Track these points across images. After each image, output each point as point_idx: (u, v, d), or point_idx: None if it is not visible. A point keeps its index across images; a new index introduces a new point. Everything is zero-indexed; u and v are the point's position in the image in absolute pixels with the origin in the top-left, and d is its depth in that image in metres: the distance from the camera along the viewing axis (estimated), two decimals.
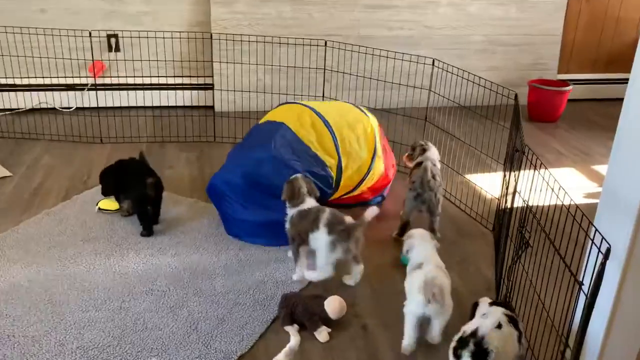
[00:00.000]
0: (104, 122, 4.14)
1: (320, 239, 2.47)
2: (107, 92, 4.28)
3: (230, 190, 2.85)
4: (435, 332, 2.23)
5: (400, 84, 3.94)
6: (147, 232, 2.90)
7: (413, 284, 2.24)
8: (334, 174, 2.94)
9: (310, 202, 2.55)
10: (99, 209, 3.10)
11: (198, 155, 3.94)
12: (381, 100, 4.15)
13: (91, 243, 2.83)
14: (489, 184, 3.48)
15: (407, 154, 3.13)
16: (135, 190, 2.90)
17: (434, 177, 2.91)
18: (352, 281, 2.55)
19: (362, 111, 3.21)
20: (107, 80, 4.37)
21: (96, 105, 4.24)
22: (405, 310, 2.24)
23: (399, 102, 4.33)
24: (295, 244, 2.55)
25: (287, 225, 2.56)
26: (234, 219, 2.86)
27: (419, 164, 3.00)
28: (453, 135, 3.56)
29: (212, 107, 4.55)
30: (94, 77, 4.22)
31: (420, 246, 2.43)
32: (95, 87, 4.24)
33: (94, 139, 4.06)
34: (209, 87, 4.54)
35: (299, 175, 2.65)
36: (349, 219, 2.47)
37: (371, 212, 2.42)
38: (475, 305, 2.16)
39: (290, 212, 2.57)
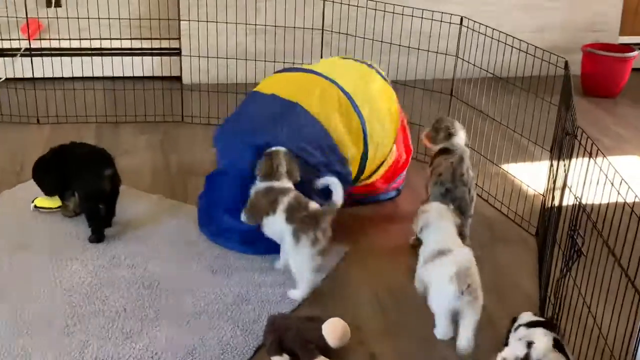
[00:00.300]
0: (42, 96, 4.12)
1: (275, 225, 2.59)
2: (45, 58, 4.26)
3: (220, 187, 2.85)
4: (468, 333, 2.33)
5: (419, 49, 3.92)
6: (98, 237, 2.90)
7: (441, 273, 2.34)
8: (355, 167, 2.95)
9: (284, 183, 2.63)
10: (35, 207, 3.09)
11: (162, 138, 3.93)
12: (394, 69, 4.13)
13: (26, 251, 2.82)
14: (531, 176, 3.48)
15: (427, 131, 3.14)
16: (86, 183, 2.89)
17: (467, 169, 2.93)
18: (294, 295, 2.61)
19: (382, 75, 3.21)
20: (46, 44, 4.35)
21: (31, 76, 4.21)
22: (434, 308, 2.37)
23: (418, 72, 4.31)
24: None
25: (247, 205, 2.66)
26: (221, 228, 2.88)
27: (444, 150, 3.02)
28: (486, 114, 3.56)
29: (179, 78, 4.54)
30: (28, 39, 4.20)
31: (439, 225, 2.52)
32: (29, 53, 4.22)
33: (28, 119, 4.04)
34: (175, 52, 4.52)
35: (281, 149, 2.68)
36: (314, 206, 2.56)
37: (336, 192, 2.51)
38: (514, 321, 2.19)
39: (256, 186, 2.66)
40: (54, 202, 3.08)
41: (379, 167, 3.16)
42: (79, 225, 3.00)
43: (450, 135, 3.05)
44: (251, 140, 2.77)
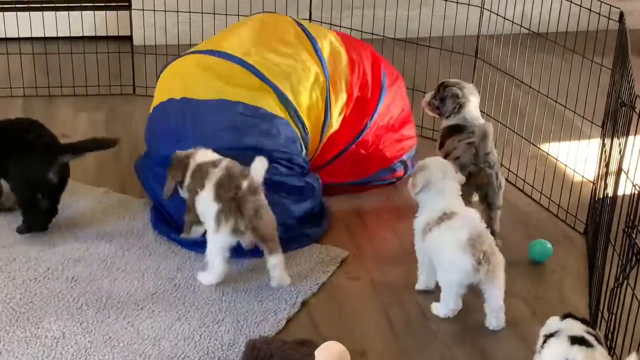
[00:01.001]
0: None
1: (204, 204, 2.75)
2: None
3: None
4: (496, 310, 2.55)
5: None
6: (28, 226, 2.94)
7: (450, 241, 2.50)
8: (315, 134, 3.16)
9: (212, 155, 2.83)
10: None
11: (107, 115, 3.92)
12: (403, 25, 4.12)
13: None
14: (578, 159, 3.49)
15: (428, 100, 3.21)
16: (28, 170, 2.91)
17: (492, 148, 2.96)
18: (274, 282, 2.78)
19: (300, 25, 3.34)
20: None
21: None
22: (444, 282, 2.53)
23: (433, 27, 4.29)
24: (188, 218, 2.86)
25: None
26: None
27: (456, 128, 3.05)
28: (519, 79, 3.56)
29: (130, 38, 4.51)
30: None
31: (441, 184, 2.65)
32: None
33: None
34: (124, 6, 4.49)
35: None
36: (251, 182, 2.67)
37: (259, 164, 2.65)
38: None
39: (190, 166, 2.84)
40: None
41: (326, 122, 3.23)
42: (3, 227, 3.00)
43: (460, 106, 3.08)
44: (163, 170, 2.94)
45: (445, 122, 3.17)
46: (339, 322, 2.64)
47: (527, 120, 3.57)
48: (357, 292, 2.79)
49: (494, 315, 2.59)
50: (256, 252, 2.80)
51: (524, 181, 3.42)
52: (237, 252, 2.81)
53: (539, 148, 3.53)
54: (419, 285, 2.78)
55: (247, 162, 2.75)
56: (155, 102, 3.20)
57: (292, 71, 3.13)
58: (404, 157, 3.43)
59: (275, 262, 2.74)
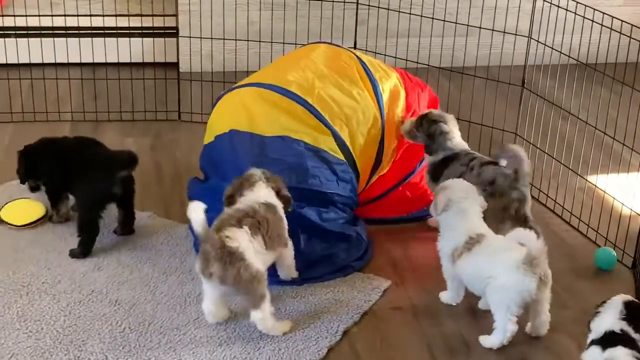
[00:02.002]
0: (3, 88, 4.19)
1: None
2: (7, 40, 4.33)
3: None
4: (545, 316, 2.67)
5: (480, 28, 3.92)
6: (84, 250, 3.01)
7: (498, 265, 2.57)
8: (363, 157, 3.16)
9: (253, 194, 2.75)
10: (0, 220, 3.19)
11: (153, 141, 3.97)
12: (449, 54, 4.12)
13: None
14: (626, 191, 3.45)
15: (408, 129, 3.24)
16: (93, 185, 3.03)
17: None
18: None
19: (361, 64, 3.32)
20: (9, 22, 4.42)
21: None
22: (498, 303, 2.58)
23: (479, 57, 4.30)
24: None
25: None
26: None
27: (449, 158, 3.12)
28: (567, 110, 3.54)
29: (176, 65, 4.58)
30: None
31: (463, 204, 2.73)
32: None
33: None
34: (172, 33, 4.57)
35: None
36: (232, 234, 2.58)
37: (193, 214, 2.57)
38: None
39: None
40: (27, 214, 3.18)
41: (380, 149, 3.25)
42: (48, 248, 3.04)
43: (442, 133, 3.16)
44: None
45: (434, 158, 3.19)
46: (381, 352, 2.63)
47: (574, 152, 3.54)
48: (399, 322, 2.78)
49: (543, 324, 2.68)
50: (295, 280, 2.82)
51: (571, 213, 3.39)
52: (275, 278, 2.83)
53: (587, 180, 3.50)
54: (446, 298, 2.84)
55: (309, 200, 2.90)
56: (216, 130, 3.16)
57: (353, 114, 3.13)
58: None
59: (254, 317, 2.62)
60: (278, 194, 2.78)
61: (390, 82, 3.29)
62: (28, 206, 3.25)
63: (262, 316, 2.61)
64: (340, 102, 3.13)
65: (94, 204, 3.04)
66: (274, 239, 2.68)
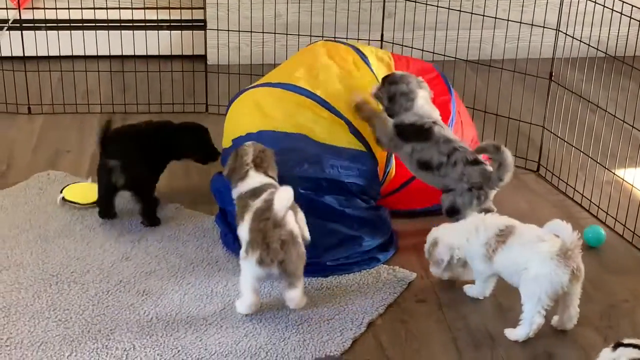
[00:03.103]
0: (34, 80, 4.23)
1: (243, 232, 2.72)
2: (38, 32, 4.38)
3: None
4: (574, 311, 2.66)
5: (508, 20, 3.91)
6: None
7: (533, 255, 2.56)
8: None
9: (256, 179, 2.78)
10: (63, 199, 3.28)
11: None
12: (476, 46, 4.11)
13: (12, 271, 2.91)
14: None
15: (374, 92, 3.16)
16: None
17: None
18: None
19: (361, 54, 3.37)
20: (39, 15, 4.46)
21: (21, 54, 4.33)
22: (530, 295, 2.57)
23: (507, 49, 4.28)
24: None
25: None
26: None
27: (419, 130, 3.04)
28: (595, 104, 3.52)
29: (204, 58, 4.61)
30: (18, 8, 4.32)
31: (461, 229, 2.79)
32: (20, 25, 4.34)
33: (17, 107, 4.16)
34: (199, 26, 4.59)
35: (254, 143, 2.89)
36: (288, 220, 2.63)
37: (283, 195, 2.61)
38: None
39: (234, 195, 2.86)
40: (87, 195, 3.25)
41: None
42: (77, 238, 3.09)
43: (410, 102, 3.08)
44: None
45: (398, 121, 3.10)
46: (405, 344, 2.64)
47: (602, 145, 3.52)
48: (424, 315, 2.79)
49: (571, 318, 2.68)
50: (328, 268, 2.87)
51: (598, 207, 3.37)
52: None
53: (614, 174, 3.48)
54: (471, 292, 2.84)
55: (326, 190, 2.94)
56: (232, 135, 3.22)
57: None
58: None
59: (292, 296, 2.71)
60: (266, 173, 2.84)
61: (384, 64, 3.35)
62: (89, 187, 3.31)
63: (300, 294, 2.70)
64: (347, 93, 3.16)
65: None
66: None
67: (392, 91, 3.09)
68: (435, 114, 3.13)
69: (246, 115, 3.24)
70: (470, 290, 2.84)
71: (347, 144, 3.11)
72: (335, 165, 3.04)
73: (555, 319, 2.69)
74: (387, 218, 3.15)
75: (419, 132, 3.06)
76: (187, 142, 3.29)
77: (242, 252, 2.70)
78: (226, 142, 3.28)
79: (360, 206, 3.08)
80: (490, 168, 3.01)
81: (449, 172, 3.02)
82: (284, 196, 2.59)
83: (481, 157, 3.05)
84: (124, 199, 3.25)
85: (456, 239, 2.77)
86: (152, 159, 3.20)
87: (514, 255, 2.63)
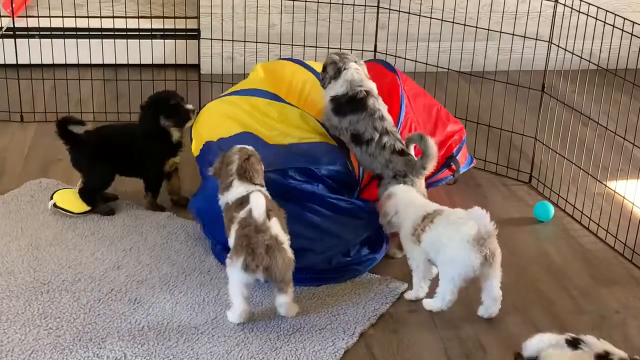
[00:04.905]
0: (27, 88, 4.24)
1: (231, 239, 2.74)
2: (31, 40, 4.38)
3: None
4: (496, 296, 2.76)
5: (501, 32, 3.93)
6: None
7: (456, 237, 2.67)
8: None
9: (240, 188, 2.78)
10: (54, 205, 3.27)
11: None
12: (469, 58, 4.14)
13: (3, 278, 2.90)
14: None
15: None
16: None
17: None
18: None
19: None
20: (33, 22, 4.47)
21: (14, 62, 4.33)
22: (445, 273, 2.73)
23: (500, 61, 4.31)
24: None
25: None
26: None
27: (355, 104, 3.14)
28: (587, 115, 3.53)
29: (197, 67, 4.61)
30: (12, 16, 4.32)
31: (407, 199, 2.91)
32: (13, 33, 4.34)
33: (9, 115, 4.15)
34: (193, 35, 4.60)
35: (243, 147, 2.89)
36: (271, 225, 2.65)
37: (254, 202, 2.63)
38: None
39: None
40: (79, 201, 3.26)
41: None
42: (69, 246, 3.09)
43: (339, 71, 3.16)
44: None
45: (333, 92, 3.19)
46: (397, 354, 2.65)
47: (593, 157, 3.54)
48: (415, 325, 2.79)
49: (493, 303, 2.77)
50: (316, 278, 2.86)
51: (589, 219, 3.39)
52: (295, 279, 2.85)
53: (606, 185, 3.49)
54: (410, 295, 2.90)
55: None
56: (205, 138, 3.28)
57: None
58: (453, 153, 3.55)
59: (282, 301, 2.72)
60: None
61: None
62: (74, 195, 3.32)
63: (289, 300, 2.71)
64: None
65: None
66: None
67: (325, 63, 3.25)
68: (368, 83, 3.18)
69: (221, 119, 3.33)
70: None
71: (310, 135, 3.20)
72: (303, 155, 3.09)
73: (480, 308, 2.80)
74: (370, 208, 3.13)
75: (351, 102, 3.13)
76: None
77: (227, 258, 2.70)
78: (198, 145, 3.31)
79: (342, 199, 3.09)
80: (414, 158, 3.09)
81: (377, 154, 3.08)
82: (258, 203, 2.62)
83: (412, 147, 3.13)
84: (120, 202, 3.25)
85: (400, 207, 2.91)
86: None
87: (438, 233, 2.74)
